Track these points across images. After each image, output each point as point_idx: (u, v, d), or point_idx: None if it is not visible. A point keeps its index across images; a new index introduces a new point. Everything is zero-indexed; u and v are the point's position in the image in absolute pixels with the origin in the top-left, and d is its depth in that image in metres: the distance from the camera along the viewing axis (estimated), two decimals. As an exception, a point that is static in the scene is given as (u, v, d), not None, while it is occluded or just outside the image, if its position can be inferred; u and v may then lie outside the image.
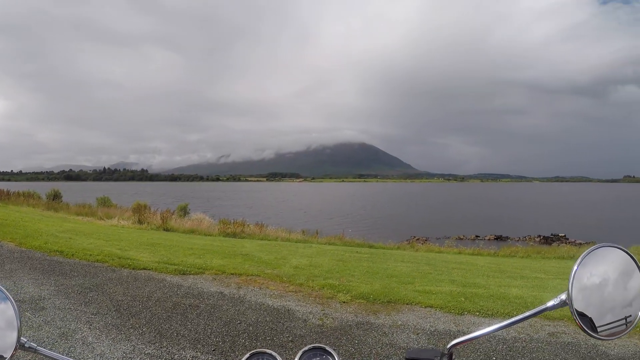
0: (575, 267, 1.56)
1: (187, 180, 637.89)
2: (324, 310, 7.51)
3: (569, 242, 36.73)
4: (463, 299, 8.50)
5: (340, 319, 7.08)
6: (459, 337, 1.62)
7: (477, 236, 41.65)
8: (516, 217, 69.00)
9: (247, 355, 1.73)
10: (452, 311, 7.82)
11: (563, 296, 1.54)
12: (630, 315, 1.54)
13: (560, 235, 42.07)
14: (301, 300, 8.00)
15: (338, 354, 1.72)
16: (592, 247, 1.60)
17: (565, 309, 1.54)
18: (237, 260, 11.48)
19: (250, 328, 6.45)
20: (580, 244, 32.72)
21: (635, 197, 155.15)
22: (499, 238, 41.46)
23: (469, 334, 1.60)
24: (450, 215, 72.18)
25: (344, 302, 8.05)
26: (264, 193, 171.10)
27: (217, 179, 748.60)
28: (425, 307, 7.99)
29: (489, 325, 1.58)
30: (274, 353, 1.72)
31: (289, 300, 7.96)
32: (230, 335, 6.13)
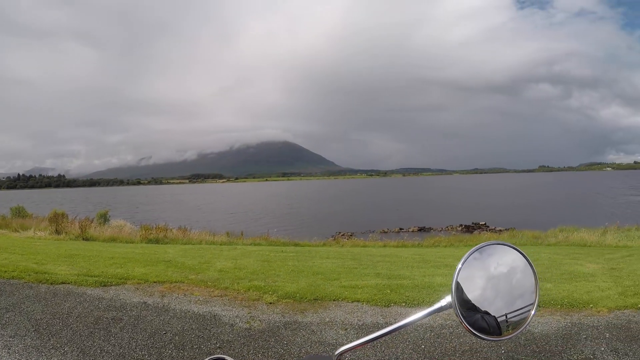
0: (459, 267, 1.57)
1: (107, 185, 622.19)
2: (250, 313, 7.46)
3: (490, 230, 38.01)
4: (389, 291, 8.65)
5: (268, 321, 7.04)
6: (345, 344, 1.63)
7: (401, 228, 42.47)
8: (438, 209, 70.83)
9: None
10: (379, 304, 7.94)
11: (448, 298, 1.54)
12: (521, 310, 1.59)
13: (481, 223, 43.43)
14: (227, 305, 7.91)
15: None
16: (474, 248, 1.60)
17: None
18: (160, 267, 11.24)
19: (177, 338, 6.31)
20: (500, 230, 33.86)
21: (548, 185, 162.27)
22: (422, 229, 42.42)
23: (356, 340, 1.59)
24: (375, 209, 73.29)
25: (270, 303, 8.01)
26: (186, 196, 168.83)
27: (138, 183, 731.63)
28: (352, 301, 8.08)
29: (377, 330, 1.57)
30: (228, 358, 1.71)
31: (214, 306, 7.85)
32: (156, 347, 5.99)
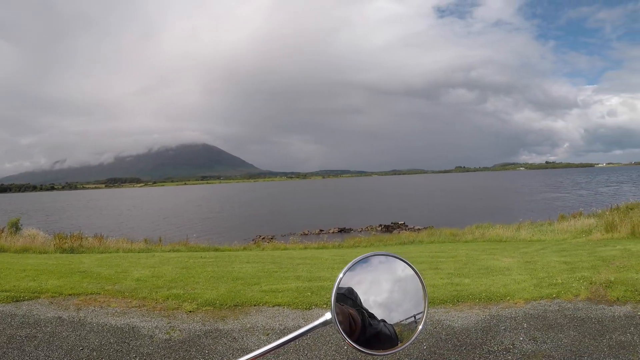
0: (336, 284, 1.59)
1: (19, 191, 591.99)
2: (170, 322, 7.31)
3: (409, 229, 38.67)
4: (310, 294, 8.68)
5: (188, 330, 6.93)
6: None
7: (321, 230, 42.67)
8: (358, 209, 71.68)
9: None
10: (300, 307, 7.97)
11: (328, 315, 1.53)
12: (410, 320, 1.56)
13: (400, 222, 44.16)
14: (146, 315, 7.71)
15: None
16: (354, 260, 1.64)
17: None
18: (75, 278, 10.80)
19: (94, 354, 6.10)
20: (419, 229, 34.42)
21: (464, 185, 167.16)
22: (342, 230, 42.75)
23: (244, 355, 1.53)
24: (295, 211, 73.50)
25: (190, 311, 7.88)
26: (102, 201, 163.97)
27: (52, 188, 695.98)
28: (273, 306, 8.07)
29: (258, 349, 1.53)
30: None
31: (132, 317, 7.63)
32: (72, 365, 5.76)
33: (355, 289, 1.60)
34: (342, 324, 1.51)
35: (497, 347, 6.02)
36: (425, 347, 6.09)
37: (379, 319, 1.58)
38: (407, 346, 1.60)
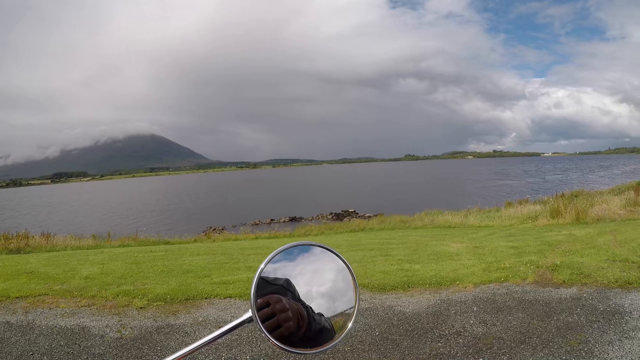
0: (257, 275, 1.48)
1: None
2: (121, 320, 7.22)
3: (359, 216, 39.03)
4: (261, 284, 8.63)
5: (140, 327, 6.88)
6: None
7: (272, 220, 42.80)
8: (309, 198, 71.90)
9: None
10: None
11: (249, 313, 1.42)
12: (341, 313, 1.51)
13: (350, 210, 44.53)
14: (96, 314, 7.58)
15: None
16: (273, 253, 1.52)
17: None
18: (22, 280, 10.48)
19: (45, 358, 5.99)
20: (369, 216, 34.69)
21: (413, 173, 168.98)
22: (293, 219, 42.94)
23: (168, 356, 1.43)
24: (246, 202, 73.36)
25: (141, 307, 7.79)
26: (49, 198, 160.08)
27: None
28: (224, 298, 8.06)
29: (186, 347, 1.43)
30: None
31: (82, 317, 7.48)
32: (23, 370, 5.62)
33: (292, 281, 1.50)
34: (288, 320, 1.40)
35: (448, 331, 6.14)
36: (377, 333, 6.16)
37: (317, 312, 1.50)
38: (340, 341, 1.51)
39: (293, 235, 22.03)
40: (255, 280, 1.45)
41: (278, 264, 1.52)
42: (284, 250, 1.53)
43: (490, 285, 8.13)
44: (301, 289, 1.49)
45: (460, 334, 6.04)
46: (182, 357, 1.43)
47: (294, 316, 1.42)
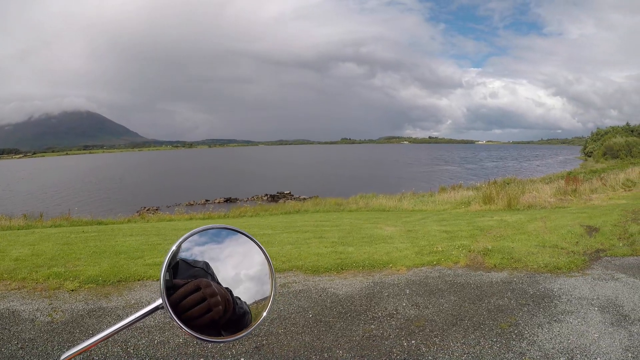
0: (167, 258, 1.34)
1: None
2: (51, 304, 7.01)
3: (294, 198, 39.16)
4: (194, 265, 8.52)
5: (71, 310, 6.71)
6: (69, 350, 1.38)
7: (207, 200, 42.52)
8: (244, 179, 71.58)
9: None
10: (185, 279, 7.79)
11: (159, 301, 1.32)
12: (256, 298, 1.44)
13: (285, 192, 44.64)
14: (26, 298, 7.32)
15: None
16: (188, 234, 1.41)
17: None
18: (-53, 261, 10.09)
19: (-28, 344, 5.71)
20: (305, 199, 34.83)
21: (349, 156, 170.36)
22: (228, 200, 42.77)
23: (79, 344, 1.34)
24: (180, 182, 72.38)
25: (72, 290, 7.58)
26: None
27: None
28: (157, 280, 7.83)
29: (97, 334, 1.33)
30: None
31: (12, 301, 7.20)
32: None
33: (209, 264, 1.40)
34: (217, 304, 1.32)
35: (381, 313, 6.22)
36: (311, 316, 6.20)
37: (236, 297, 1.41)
38: (256, 327, 1.43)
39: (227, 217, 21.92)
40: (167, 260, 1.32)
41: (192, 246, 1.41)
42: (199, 232, 1.43)
43: (422, 268, 8.31)
44: (219, 273, 1.41)
45: (393, 316, 6.14)
46: (105, 338, 1.33)
47: (223, 301, 1.35)
